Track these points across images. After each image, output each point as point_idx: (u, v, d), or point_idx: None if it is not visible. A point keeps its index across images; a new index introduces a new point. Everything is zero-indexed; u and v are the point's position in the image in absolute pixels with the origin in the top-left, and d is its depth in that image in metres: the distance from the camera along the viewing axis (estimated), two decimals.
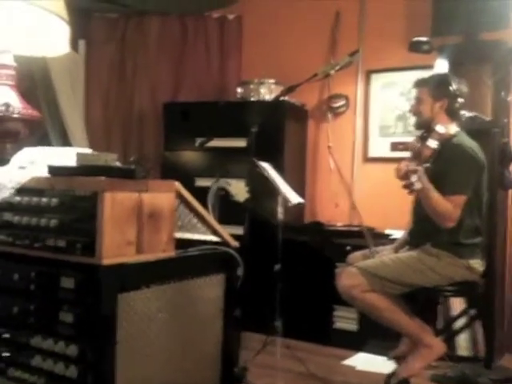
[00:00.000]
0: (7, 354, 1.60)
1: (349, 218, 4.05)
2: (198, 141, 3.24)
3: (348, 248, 3.35)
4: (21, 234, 1.61)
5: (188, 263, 1.81)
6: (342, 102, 4.18)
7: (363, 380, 3.03)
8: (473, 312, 3.05)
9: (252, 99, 4.04)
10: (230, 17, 4.57)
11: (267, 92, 4.01)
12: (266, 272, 2.98)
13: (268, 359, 2.99)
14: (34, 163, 1.78)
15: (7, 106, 2.18)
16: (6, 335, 1.61)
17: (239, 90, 4.13)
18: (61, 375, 1.49)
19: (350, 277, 2.56)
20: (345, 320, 3.59)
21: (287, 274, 3.01)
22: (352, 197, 4.02)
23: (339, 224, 3.92)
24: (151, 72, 4.61)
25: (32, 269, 1.58)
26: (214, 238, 1.96)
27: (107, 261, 1.49)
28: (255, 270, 2.43)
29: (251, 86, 4.05)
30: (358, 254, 2.91)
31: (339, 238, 3.65)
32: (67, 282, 1.50)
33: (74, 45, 2.52)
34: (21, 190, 1.64)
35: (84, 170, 1.61)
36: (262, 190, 2.97)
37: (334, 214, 4.08)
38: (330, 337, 3.61)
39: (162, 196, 1.69)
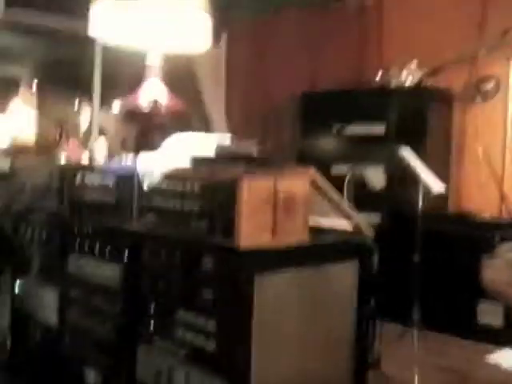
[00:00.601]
0: (153, 325, 1.75)
1: (498, 208, 3.79)
2: (336, 128, 3.24)
3: (496, 240, 3.16)
4: (167, 216, 1.74)
5: (322, 250, 1.82)
6: (491, 85, 3.91)
7: (510, 378, 2.83)
8: None
9: (392, 85, 3.93)
10: (368, 3, 4.47)
11: (409, 77, 3.88)
12: (405, 261, 2.90)
13: (404, 350, 2.92)
14: (178, 151, 1.90)
15: (155, 102, 2.37)
16: (154, 307, 1.76)
17: (379, 76, 4.05)
18: (200, 348, 1.60)
19: (497, 270, 2.42)
20: (490, 314, 3.38)
21: (429, 265, 2.91)
22: (502, 186, 3.75)
23: (487, 215, 3.69)
24: (289, 62, 4.68)
25: (177, 249, 1.70)
26: (349, 226, 1.95)
27: (244, 244, 1.55)
28: (392, 259, 2.39)
29: (391, 72, 3.96)
30: (507, 246, 2.73)
31: (486, 229, 3.44)
32: (208, 262, 1.60)
33: (216, 39, 2.66)
34: (167, 177, 1.77)
35: (223, 158, 1.69)
36: (402, 177, 2.89)
37: (481, 204, 3.85)
38: (472, 331, 3.43)
39: (298, 183, 1.72)
